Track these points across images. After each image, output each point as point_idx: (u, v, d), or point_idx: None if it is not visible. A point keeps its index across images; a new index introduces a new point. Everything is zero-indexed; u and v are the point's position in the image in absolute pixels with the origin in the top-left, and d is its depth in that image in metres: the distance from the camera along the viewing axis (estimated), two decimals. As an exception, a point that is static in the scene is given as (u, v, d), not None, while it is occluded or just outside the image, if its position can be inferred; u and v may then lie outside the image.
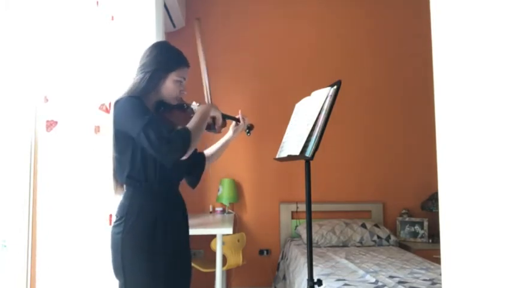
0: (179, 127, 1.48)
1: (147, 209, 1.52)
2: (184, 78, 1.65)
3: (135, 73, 1.63)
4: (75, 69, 2.40)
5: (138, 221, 1.51)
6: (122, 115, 1.50)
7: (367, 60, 4.00)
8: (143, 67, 1.59)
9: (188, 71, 1.67)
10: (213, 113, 1.66)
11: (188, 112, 1.71)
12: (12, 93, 2.39)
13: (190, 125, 1.51)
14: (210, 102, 1.75)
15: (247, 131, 1.90)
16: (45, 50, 2.38)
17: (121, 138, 1.51)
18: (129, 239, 1.49)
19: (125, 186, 1.59)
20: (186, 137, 1.44)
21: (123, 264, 1.49)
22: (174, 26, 3.67)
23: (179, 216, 1.66)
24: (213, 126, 1.68)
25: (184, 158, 1.45)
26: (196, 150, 1.81)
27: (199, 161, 1.83)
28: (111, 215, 2.33)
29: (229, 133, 1.90)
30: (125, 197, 1.57)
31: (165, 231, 1.53)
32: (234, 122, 1.88)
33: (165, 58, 1.61)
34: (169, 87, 1.61)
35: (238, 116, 1.88)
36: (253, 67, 3.94)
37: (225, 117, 1.85)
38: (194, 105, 1.74)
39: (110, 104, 2.40)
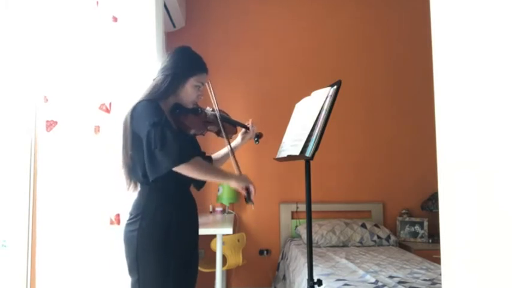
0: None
1: (164, 208, 1.54)
2: (203, 84, 1.69)
3: (156, 74, 1.67)
4: (75, 69, 2.40)
5: (154, 219, 1.53)
6: (138, 118, 1.52)
7: (367, 60, 4.00)
8: (164, 70, 1.64)
9: (207, 77, 1.71)
10: (245, 184, 1.67)
11: (201, 116, 1.74)
12: (12, 93, 2.39)
13: (208, 165, 1.55)
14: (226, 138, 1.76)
15: (256, 139, 1.94)
16: (45, 50, 2.38)
17: (137, 139, 1.53)
18: (145, 237, 1.51)
19: (139, 184, 1.60)
20: (184, 156, 1.45)
21: (137, 261, 1.51)
22: (174, 26, 3.67)
23: (192, 216, 1.68)
24: (248, 197, 1.70)
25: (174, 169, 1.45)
26: (204, 153, 1.84)
27: None
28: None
29: (237, 139, 1.93)
30: (141, 195, 1.58)
31: (179, 231, 1.56)
32: (243, 129, 1.91)
33: (186, 63, 1.65)
34: (188, 91, 1.65)
35: (248, 124, 1.91)
36: (253, 67, 3.94)
37: (236, 123, 1.88)
38: (208, 110, 1.79)
39: (110, 103, 2.41)
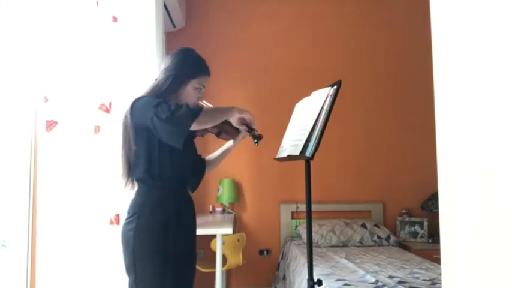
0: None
1: (161, 207, 1.53)
2: (204, 86, 1.69)
3: (157, 74, 1.67)
4: (75, 69, 2.40)
5: (151, 218, 1.52)
6: (141, 109, 1.51)
7: (367, 60, 4.00)
8: (166, 70, 1.63)
9: (208, 79, 1.70)
10: (240, 115, 1.60)
11: None
12: (12, 93, 2.39)
13: (210, 110, 1.55)
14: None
15: (256, 141, 1.75)
16: (45, 50, 2.39)
17: (139, 133, 1.53)
18: (142, 237, 1.50)
19: (137, 183, 1.60)
20: (193, 111, 1.46)
21: (134, 261, 1.50)
22: (174, 26, 3.67)
23: (189, 215, 1.68)
24: (251, 129, 1.63)
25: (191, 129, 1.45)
26: (200, 156, 1.83)
27: (200, 166, 1.85)
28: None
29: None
30: (139, 194, 1.58)
31: (176, 230, 1.55)
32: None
33: (189, 65, 1.65)
34: (189, 93, 1.65)
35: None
36: (253, 67, 3.94)
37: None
38: None
39: (110, 103, 2.41)
